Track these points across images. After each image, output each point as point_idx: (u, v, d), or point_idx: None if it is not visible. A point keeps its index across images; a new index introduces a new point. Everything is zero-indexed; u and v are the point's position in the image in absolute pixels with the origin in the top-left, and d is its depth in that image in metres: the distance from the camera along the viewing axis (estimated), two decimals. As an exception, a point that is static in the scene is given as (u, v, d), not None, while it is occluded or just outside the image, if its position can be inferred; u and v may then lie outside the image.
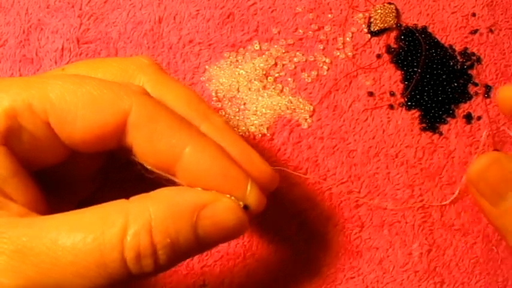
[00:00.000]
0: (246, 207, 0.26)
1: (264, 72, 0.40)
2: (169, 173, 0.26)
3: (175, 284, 0.36)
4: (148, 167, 0.26)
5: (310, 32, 0.41)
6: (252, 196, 0.26)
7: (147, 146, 0.26)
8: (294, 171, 0.36)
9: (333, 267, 0.36)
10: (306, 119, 0.39)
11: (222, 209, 0.25)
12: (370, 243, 0.37)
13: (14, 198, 0.25)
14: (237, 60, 0.40)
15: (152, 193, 0.25)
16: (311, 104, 0.39)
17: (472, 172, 0.31)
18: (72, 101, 0.25)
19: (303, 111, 0.39)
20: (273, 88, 0.40)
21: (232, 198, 0.26)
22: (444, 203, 0.33)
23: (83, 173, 0.31)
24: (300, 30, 0.41)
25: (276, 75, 0.40)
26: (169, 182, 0.26)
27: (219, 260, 0.36)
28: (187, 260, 0.36)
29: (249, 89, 0.39)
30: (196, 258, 0.36)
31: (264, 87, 0.40)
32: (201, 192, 0.25)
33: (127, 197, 0.25)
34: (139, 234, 0.23)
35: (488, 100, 0.40)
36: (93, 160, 0.31)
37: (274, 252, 0.37)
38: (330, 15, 0.42)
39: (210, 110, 0.29)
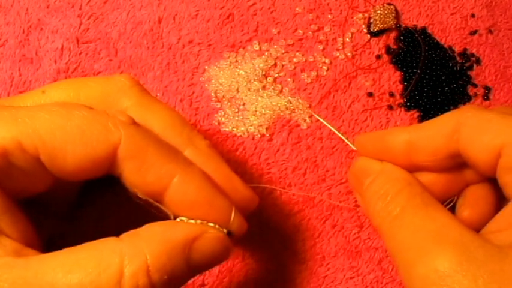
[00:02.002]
0: (229, 233, 0.27)
1: (264, 73, 0.40)
2: (158, 200, 0.27)
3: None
4: (138, 194, 0.27)
5: (309, 33, 0.41)
6: (236, 222, 0.28)
7: (136, 176, 0.26)
8: (277, 187, 0.37)
9: (332, 267, 0.36)
10: (305, 120, 0.39)
11: (211, 240, 0.26)
12: (369, 244, 0.37)
13: (8, 233, 0.25)
14: (236, 61, 0.40)
15: (142, 230, 0.25)
16: (310, 104, 0.39)
17: (349, 177, 0.35)
18: (62, 137, 0.25)
19: (302, 111, 0.39)
20: (273, 88, 0.40)
21: (217, 226, 0.27)
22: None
23: (62, 195, 0.31)
24: (300, 31, 0.41)
25: (276, 75, 0.40)
26: (157, 209, 0.27)
27: (218, 260, 0.36)
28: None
29: (249, 89, 0.39)
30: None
31: (264, 87, 0.40)
32: (190, 226, 0.26)
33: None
34: (138, 275, 0.23)
35: (487, 102, 0.41)
36: (74, 184, 0.31)
37: (273, 253, 0.37)
38: (329, 16, 0.42)
39: (193, 132, 0.30)
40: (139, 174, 0.26)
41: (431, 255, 0.25)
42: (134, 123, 0.27)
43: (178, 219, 0.27)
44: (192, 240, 0.26)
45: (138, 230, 0.25)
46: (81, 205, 0.27)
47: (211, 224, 0.27)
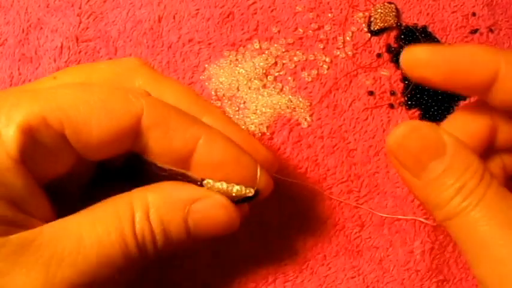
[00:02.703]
0: (257, 193, 0.27)
1: (264, 71, 0.40)
2: (184, 167, 0.27)
3: (178, 283, 0.36)
4: (163, 166, 0.27)
5: (310, 31, 0.41)
6: (262, 180, 0.28)
7: (162, 144, 0.26)
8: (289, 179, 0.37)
9: (333, 266, 0.36)
10: (306, 118, 0.39)
11: (213, 204, 0.27)
12: (370, 243, 0.37)
13: (33, 213, 0.25)
14: (236, 59, 0.40)
15: (151, 186, 0.27)
16: (311, 103, 0.39)
17: (391, 141, 0.27)
18: (86, 110, 0.25)
19: (302, 110, 0.39)
20: (273, 87, 0.40)
21: (243, 188, 0.27)
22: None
23: (73, 186, 0.31)
24: (300, 30, 0.41)
25: (276, 74, 0.40)
26: (183, 177, 0.27)
27: (220, 260, 0.36)
28: (189, 261, 0.36)
29: (249, 87, 0.39)
30: (198, 259, 0.36)
31: (264, 86, 0.40)
32: (196, 188, 0.27)
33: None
34: (142, 221, 0.26)
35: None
36: (88, 170, 0.31)
37: (274, 252, 0.36)
38: (330, 15, 0.42)
39: (207, 103, 0.31)
40: (165, 140, 0.26)
41: None
42: (150, 95, 0.27)
43: (205, 182, 0.27)
44: (192, 200, 0.27)
45: (148, 185, 0.27)
46: (90, 198, 0.27)
47: (238, 187, 0.27)
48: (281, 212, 0.37)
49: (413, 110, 0.40)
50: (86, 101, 0.25)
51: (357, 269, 0.36)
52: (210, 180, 0.27)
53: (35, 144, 0.24)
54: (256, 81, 0.39)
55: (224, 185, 0.27)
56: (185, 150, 0.26)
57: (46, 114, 0.24)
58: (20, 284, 0.23)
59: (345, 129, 0.39)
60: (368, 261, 0.36)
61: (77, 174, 0.29)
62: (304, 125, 0.39)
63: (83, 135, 0.25)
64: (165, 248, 0.27)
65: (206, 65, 0.40)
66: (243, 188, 0.27)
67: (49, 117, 0.24)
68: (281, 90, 0.39)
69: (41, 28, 0.40)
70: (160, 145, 0.26)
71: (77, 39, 0.40)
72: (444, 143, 0.26)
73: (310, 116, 0.39)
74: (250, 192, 0.27)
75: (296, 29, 0.41)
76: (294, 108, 0.39)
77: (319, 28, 0.41)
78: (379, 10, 0.42)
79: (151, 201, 0.26)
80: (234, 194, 0.27)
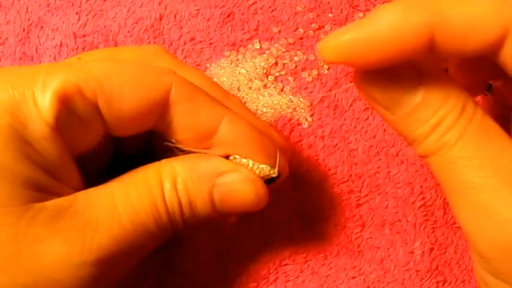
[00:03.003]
0: (279, 176, 0.28)
1: (265, 71, 0.40)
2: (205, 147, 0.28)
3: (178, 283, 0.35)
4: (185, 148, 0.28)
5: (310, 31, 0.41)
6: (281, 164, 0.28)
7: (188, 119, 0.27)
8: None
9: (334, 266, 0.36)
10: (307, 118, 0.39)
11: (240, 178, 0.27)
12: (371, 243, 0.37)
13: (65, 181, 0.25)
14: (237, 59, 0.40)
15: (180, 157, 0.27)
16: (311, 103, 0.39)
17: (358, 78, 0.24)
18: (119, 81, 0.25)
19: (303, 110, 0.39)
20: (274, 87, 0.39)
21: (268, 168, 0.27)
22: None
23: (92, 164, 0.31)
24: (301, 30, 0.41)
25: (277, 74, 0.40)
26: None
27: (221, 260, 0.36)
28: (189, 261, 0.36)
29: (250, 88, 0.39)
30: (198, 259, 0.36)
31: (265, 86, 0.39)
32: (223, 161, 0.27)
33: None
34: (171, 191, 0.26)
35: (488, 97, 0.40)
36: (107, 152, 0.31)
37: (275, 252, 0.36)
38: (330, 15, 0.42)
39: (226, 91, 0.32)
40: (191, 115, 0.27)
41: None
42: (178, 74, 0.28)
43: (231, 157, 0.27)
44: (219, 173, 0.27)
45: (177, 156, 0.27)
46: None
47: (263, 166, 0.27)
48: (282, 212, 0.37)
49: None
50: (119, 73, 0.26)
51: (358, 269, 0.36)
52: (237, 156, 0.27)
53: (69, 113, 0.25)
54: (256, 81, 0.39)
55: (250, 162, 0.27)
56: (210, 126, 0.27)
57: (81, 83, 0.25)
58: (57, 251, 0.23)
59: (346, 129, 0.39)
60: (369, 261, 0.36)
61: (97, 156, 0.29)
62: (305, 125, 0.39)
63: (115, 105, 0.25)
64: (192, 219, 0.27)
65: (207, 65, 0.40)
66: (268, 167, 0.27)
67: (83, 87, 0.25)
68: (282, 90, 0.39)
69: (42, 27, 0.40)
70: (186, 120, 0.27)
71: (75, 36, 0.40)
72: (418, 73, 0.23)
73: (311, 116, 0.39)
74: (275, 173, 0.27)
75: (297, 29, 0.41)
76: (295, 108, 0.39)
77: (319, 28, 0.41)
78: (380, 10, 0.42)
79: (178, 171, 0.26)
80: (258, 173, 0.27)
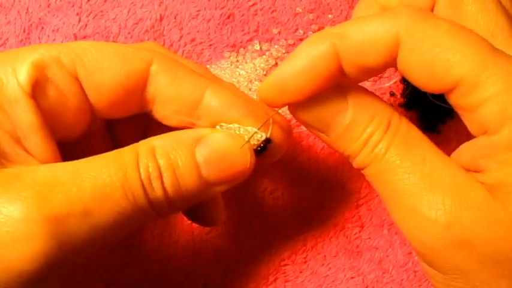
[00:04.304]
0: (268, 141, 0.27)
1: (265, 73, 0.40)
2: (192, 122, 0.27)
3: (179, 283, 0.36)
4: (172, 122, 0.27)
5: (310, 32, 0.41)
6: (275, 130, 0.27)
7: (171, 89, 0.27)
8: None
9: (333, 267, 0.36)
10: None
11: (221, 136, 0.26)
12: (370, 243, 0.37)
13: (33, 153, 0.25)
14: (237, 61, 0.40)
15: (157, 136, 0.26)
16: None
17: (292, 107, 0.27)
18: (98, 53, 0.26)
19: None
20: (274, 88, 0.40)
21: (255, 129, 0.26)
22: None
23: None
24: (301, 31, 0.41)
25: (277, 75, 0.40)
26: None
27: (221, 260, 0.36)
28: (189, 261, 0.36)
29: (250, 89, 0.39)
30: (198, 259, 0.36)
31: (265, 87, 0.40)
32: (203, 128, 0.27)
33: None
34: (147, 157, 0.25)
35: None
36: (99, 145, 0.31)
37: (274, 253, 0.37)
38: (330, 16, 0.42)
39: (220, 79, 0.32)
40: (174, 85, 0.27)
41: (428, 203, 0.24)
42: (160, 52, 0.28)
43: (217, 126, 0.27)
44: (200, 136, 0.26)
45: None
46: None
47: (250, 128, 0.26)
48: (281, 213, 0.37)
49: (412, 111, 0.40)
50: (99, 48, 0.26)
51: (357, 269, 0.37)
52: (223, 124, 0.26)
53: (46, 82, 0.25)
54: (256, 82, 0.40)
55: (236, 127, 0.26)
56: (193, 97, 0.27)
57: (60, 55, 0.25)
58: (12, 209, 0.22)
59: (345, 130, 0.39)
60: (368, 261, 0.37)
61: (89, 149, 0.29)
62: (305, 126, 0.39)
63: (94, 75, 0.26)
64: (177, 193, 0.25)
65: (207, 66, 0.40)
66: (254, 129, 0.26)
67: (62, 58, 0.25)
68: (282, 91, 0.40)
69: (42, 28, 0.40)
70: (169, 91, 0.27)
71: (76, 37, 0.40)
72: (345, 97, 0.26)
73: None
74: (262, 136, 0.26)
75: (296, 30, 0.41)
76: (295, 109, 0.39)
77: (319, 29, 0.41)
78: (379, 12, 0.42)
79: (156, 143, 0.25)
80: (246, 137, 0.26)
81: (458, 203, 0.23)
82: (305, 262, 0.36)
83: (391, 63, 0.25)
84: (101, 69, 0.26)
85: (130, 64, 0.26)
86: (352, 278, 0.36)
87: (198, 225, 0.36)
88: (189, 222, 0.36)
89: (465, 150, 0.25)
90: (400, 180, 0.24)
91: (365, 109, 0.26)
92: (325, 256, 0.37)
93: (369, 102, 0.26)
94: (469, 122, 0.24)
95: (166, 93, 0.27)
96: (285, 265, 0.36)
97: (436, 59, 0.23)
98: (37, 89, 0.25)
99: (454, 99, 0.24)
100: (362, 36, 0.24)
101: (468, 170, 0.25)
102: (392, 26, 0.24)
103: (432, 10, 0.30)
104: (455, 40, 0.23)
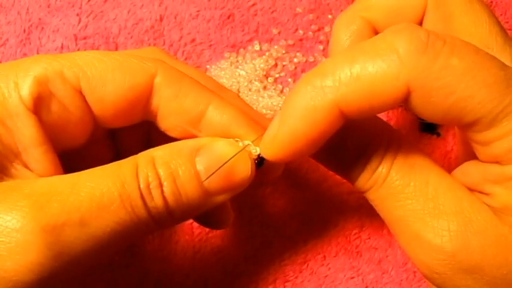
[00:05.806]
0: (263, 158, 0.26)
1: (264, 73, 0.40)
2: (194, 134, 0.27)
3: (179, 283, 0.36)
4: (173, 135, 0.27)
5: (310, 33, 0.41)
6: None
7: (174, 103, 0.26)
8: None
9: (332, 267, 0.37)
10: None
11: (221, 144, 0.26)
12: (369, 243, 0.37)
13: (33, 167, 0.25)
14: (237, 61, 0.40)
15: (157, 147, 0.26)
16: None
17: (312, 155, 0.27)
18: (102, 66, 0.26)
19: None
20: (273, 89, 0.40)
21: (251, 144, 0.26)
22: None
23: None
24: (300, 31, 0.41)
25: (276, 75, 0.40)
26: None
27: (221, 260, 0.36)
28: (189, 261, 0.36)
29: (250, 89, 0.40)
30: (198, 259, 0.36)
31: (265, 87, 0.40)
32: (202, 138, 0.27)
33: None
34: (147, 167, 0.24)
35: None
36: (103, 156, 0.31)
37: (274, 253, 0.37)
38: (330, 16, 0.42)
39: (223, 86, 0.32)
40: (177, 99, 0.26)
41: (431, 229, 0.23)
42: (165, 62, 0.28)
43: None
44: (199, 146, 0.26)
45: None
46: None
47: (247, 142, 0.26)
48: (281, 213, 0.37)
49: (412, 112, 0.40)
50: (102, 60, 0.26)
51: (356, 270, 0.37)
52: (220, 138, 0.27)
53: (50, 96, 0.25)
54: (256, 82, 0.40)
55: (236, 139, 0.27)
56: (196, 111, 0.26)
57: (63, 69, 0.25)
58: (8, 219, 0.22)
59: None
60: (367, 261, 0.37)
61: (96, 162, 0.29)
62: (304, 126, 0.39)
63: (97, 89, 0.26)
64: (177, 201, 0.25)
65: (207, 66, 0.40)
66: (251, 144, 0.26)
67: (65, 72, 0.25)
68: (281, 91, 0.40)
69: (42, 28, 0.40)
70: (172, 104, 0.26)
71: (76, 38, 0.40)
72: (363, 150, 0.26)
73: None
74: (256, 150, 0.26)
75: (296, 30, 0.41)
76: (294, 109, 0.39)
77: (319, 29, 0.41)
78: (379, 12, 0.42)
79: (157, 153, 0.25)
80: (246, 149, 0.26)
81: (464, 228, 0.23)
82: (305, 262, 0.36)
83: (399, 104, 0.23)
84: (104, 82, 0.26)
85: (135, 77, 0.26)
86: (352, 278, 0.36)
87: (198, 225, 0.37)
88: (189, 222, 0.36)
89: (471, 171, 0.25)
90: (403, 207, 0.24)
91: (361, 132, 0.25)
92: (324, 256, 0.37)
93: (365, 123, 0.25)
94: (480, 152, 0.24)
95: (169, 107, 0.27)
96: (285, 265, 0.36)
97: (451, 107, 0.22)
98: (39, 104, 0.25)
99: (466, 133, 0.24)
100: (366, 92, 0.22)
101: (472, 190, 0.24)
102: (399, 76, 0.22)
103: (422, 21, 0.29)
104: (470, 82, 0.21)
